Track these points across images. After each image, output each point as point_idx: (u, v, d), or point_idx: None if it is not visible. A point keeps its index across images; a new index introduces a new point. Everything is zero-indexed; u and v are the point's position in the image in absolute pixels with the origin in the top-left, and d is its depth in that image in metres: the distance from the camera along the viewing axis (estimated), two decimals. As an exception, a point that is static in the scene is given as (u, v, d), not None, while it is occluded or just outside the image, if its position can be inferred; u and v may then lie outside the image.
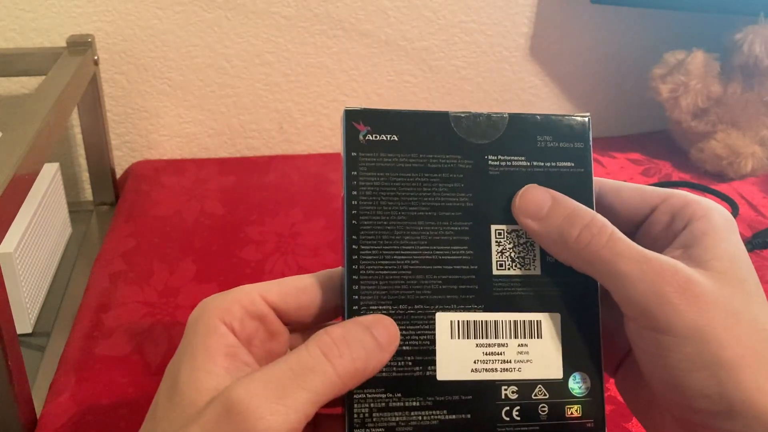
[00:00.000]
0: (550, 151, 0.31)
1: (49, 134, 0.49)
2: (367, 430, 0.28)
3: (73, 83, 0.57)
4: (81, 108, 0.66)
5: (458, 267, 0.29)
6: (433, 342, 0.29)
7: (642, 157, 0.78)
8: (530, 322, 0.29)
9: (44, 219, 0.56)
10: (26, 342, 0.51)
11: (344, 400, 0.28)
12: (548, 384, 0.29)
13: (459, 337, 0.29)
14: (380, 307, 0.29)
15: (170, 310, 0.52)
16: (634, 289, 0.27)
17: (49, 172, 0.59)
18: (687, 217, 0.29)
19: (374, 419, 0.28)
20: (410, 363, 0.28)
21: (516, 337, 0.29)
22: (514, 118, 0.31)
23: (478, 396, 0.29)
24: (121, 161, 0.77)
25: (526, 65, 0.82)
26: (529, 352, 0.29)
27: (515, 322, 0.29)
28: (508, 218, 0.30)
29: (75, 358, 0.48)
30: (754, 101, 0.73)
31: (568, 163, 0.31)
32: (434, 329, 0.29)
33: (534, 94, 0.84)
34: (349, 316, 0.28)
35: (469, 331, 0.29)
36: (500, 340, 0.29)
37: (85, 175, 0.75)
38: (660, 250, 0.28)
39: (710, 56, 0.72)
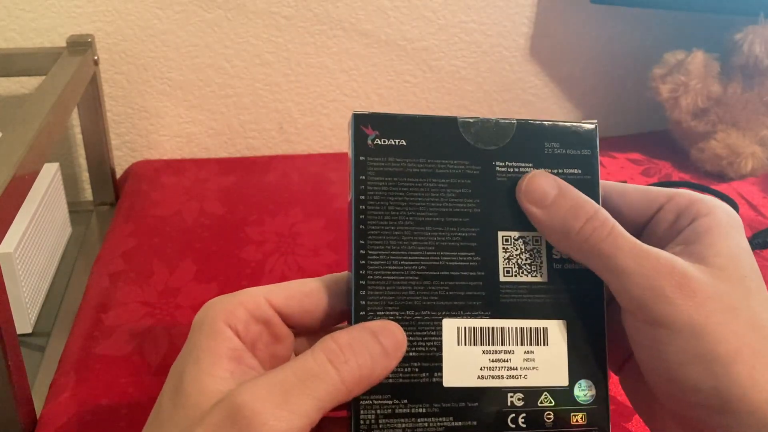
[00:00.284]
0: (557, 157, 0.31)
1: (49, 134, 0.48)
2: None
3: (73, 83, 0.57)
4: (81, 108, 0.66)
5: (465, 273, 0.29)
6: (439, 348, 0.29)
7: (642, 157, 0.78)
8: (536, 329, 0.29)
9: (44, 219, 0.56)
10: (26, 342, 0.51)
11: (350, 406, 0.28)
12: (554, 391, 0.29)
13: (465, 344, 0.29)
14: (387, 313, 0.28)
15: (170, 310, 0.52)
16: (631, 283, 0.27)
17: (49, 172, 0.59)
18: (691, 214, 0.29)
19: (380, 425, 0.28)
20: (417, 369, 0.28)
21: (522, 344, 0.29)
22: (522, 124, 0.31)
23: (484, 403, 0.29)
24: (121, 161, 0.76)
25: (526, 65, 0.81)
26: (535, 359, 0.29)
27: (522, 329, 0.29)
28: (516, 225, 0.30)
29: (75, 358, 0.47)
30: (754, 101, 0.73)
31: (575, 170, 0.31)
32: (441, 335, 0.29)
33: (534, 94, 0.84)
34: (356, 322, 0.28)
35: (475, 337, 0.29)
36: (507, 347, 0.29)
37: (85, 175, 0.75)
38: (664, 248, 0.28)
39: (710, 56, 0.72)
